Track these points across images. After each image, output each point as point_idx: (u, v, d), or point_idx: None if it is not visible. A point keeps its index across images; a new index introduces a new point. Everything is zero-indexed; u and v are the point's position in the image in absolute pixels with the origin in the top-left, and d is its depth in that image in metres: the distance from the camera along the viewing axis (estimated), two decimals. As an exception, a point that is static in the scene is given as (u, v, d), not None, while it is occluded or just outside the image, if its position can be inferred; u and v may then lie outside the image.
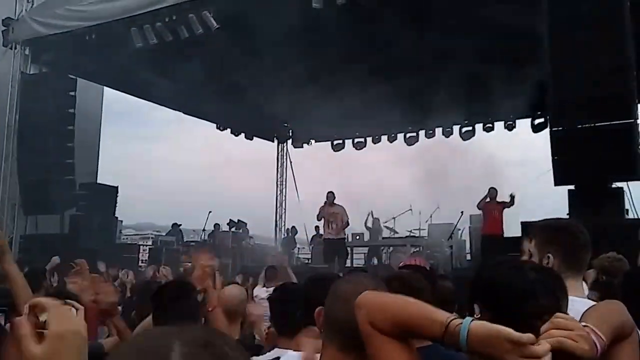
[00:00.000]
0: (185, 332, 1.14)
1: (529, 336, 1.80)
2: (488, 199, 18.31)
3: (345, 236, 19.35)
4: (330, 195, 19.02)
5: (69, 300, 2.31)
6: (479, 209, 18.47)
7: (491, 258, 3.00)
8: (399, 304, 2.17)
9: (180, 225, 24.39)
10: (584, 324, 2.13)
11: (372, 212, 21.05)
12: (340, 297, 2.44)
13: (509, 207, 18.00)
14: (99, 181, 20.96)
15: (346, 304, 2.32)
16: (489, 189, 18.26)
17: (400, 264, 5.93)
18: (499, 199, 18.34)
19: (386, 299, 2.24)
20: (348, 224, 19.05)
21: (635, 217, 12.91)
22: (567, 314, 2.16)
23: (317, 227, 22.75)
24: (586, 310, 2.44)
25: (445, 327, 1.94)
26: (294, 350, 3.51)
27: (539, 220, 3.85)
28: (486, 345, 1.84)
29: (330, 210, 18.79)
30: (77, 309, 1.97)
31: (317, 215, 19.43)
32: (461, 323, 1.92)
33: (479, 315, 2.23)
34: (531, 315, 2.04)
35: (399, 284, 3.58)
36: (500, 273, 2.31)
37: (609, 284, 5.31)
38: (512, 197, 17.90)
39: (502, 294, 2.21)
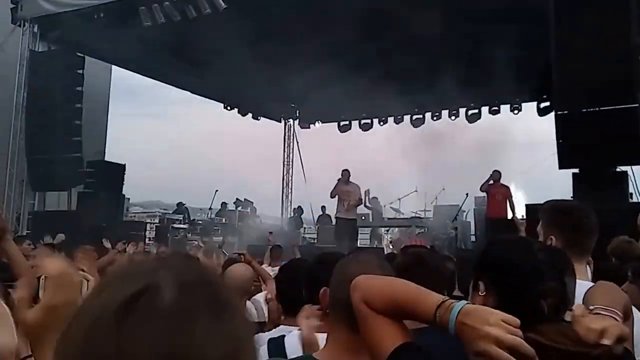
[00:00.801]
0: (177, 266, 1.11)
1: (514, 319, 1.75)
2: (491, 182, 18.22)
3: (357, 217, 19.42)
4: (346, 173, 19.03)
5: (82, 272, 2.42)
6: (482, 191, 18.47)
7: (499, 236, 2.90)
8: (394, 285, 2.15)
9: (185, 204, 24.46)
10: (595, 306, 2.17)
11: (367, 190, 20.66)
12: (346, 277, 2.39)
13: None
14: (106, 159, 21.04)
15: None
16: (493, 172, 18.23)
17: (402, 246, 5.98)
18: (502, 181, 18.30)
19: (381, 280, 2.22)
20: (361, 202, 19.11)
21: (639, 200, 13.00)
22: (574, 295, 2.22)
23: (323, 207, 22.89)
24: (587, 292, 2.46)
25: (437, 308, 1.91)
26: (300, 329, 3.46)
27: (546, 202, 3.89)
28: (470, 327, 1.80)
29: (345, 188, 18.81)
30: (87, 280, 2.06)
31: (331, 193, 19.38)
32: (454, 305, 1.89)
33: (484, 293, 2.26)
34: (536, 295, 2.07)
35: (414, 260, 3.64)
36: (509, 251, 2.31)
37: (615, 271, 5.21)
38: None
39: (510, 272, 2.22)
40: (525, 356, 1.71)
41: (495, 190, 18.12)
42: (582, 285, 2.90)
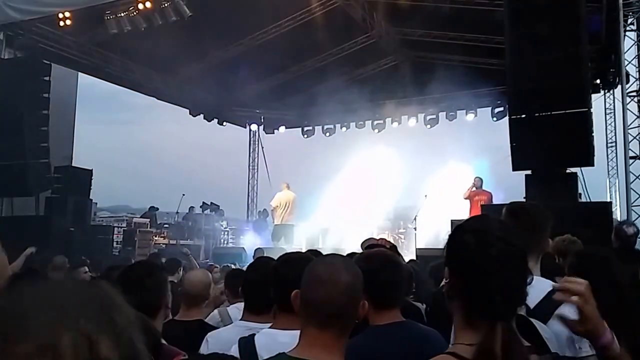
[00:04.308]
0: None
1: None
2: (474, 188, 18.54)
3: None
4: (284, 185, 20.22)
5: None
6: (465, 199, 18.67)
7: (466, 223, 2.72)
8: None
9: (158, 209, 24.58)
10: None
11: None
12: (315, 279, 2.57)
13: None
14: (73, 164, 21.11)
15: (322, 286, 2.50)
16: (474, 179, 18.66)
17: (365, 245, 6.22)
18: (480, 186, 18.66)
19: None
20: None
21: (588, 200, 13.47)
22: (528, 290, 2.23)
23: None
24: None
25: None
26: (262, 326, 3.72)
27: (496, 204, 4.11)
28: None
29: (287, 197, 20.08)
30: None
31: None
32: None
33: (447, 280, 2.29)
34: (489, 290, 2.08)
35: (381, 259, 3.76)
36: (466, 244, 2.24)
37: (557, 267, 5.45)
38: None
39: (465, 264, 2.22)
40: None
41: (478, 197, 18.28)
42: (542, 281, 3.12)
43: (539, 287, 2.57)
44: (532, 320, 2.67)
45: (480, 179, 18.68)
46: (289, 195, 20.71)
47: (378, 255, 3.87)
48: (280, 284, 3.37)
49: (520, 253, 2.24)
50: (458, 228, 2.36)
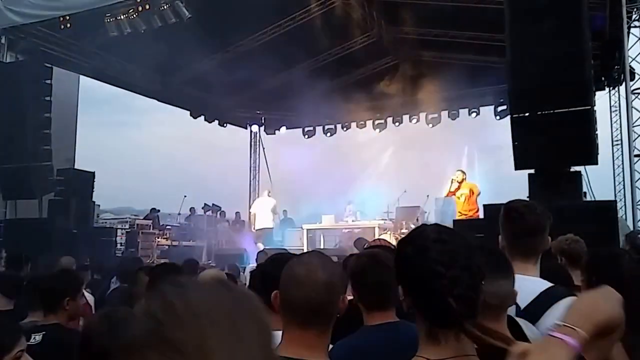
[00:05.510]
0: None
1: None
2: (456, 184, 17.66)
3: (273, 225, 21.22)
4: (266, 192, 21.24)
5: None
6: (447, 196, 18.04)
7: (408, 235, 2.57)
8: None
9: (159, 210, 24.60)
10: (562, 323, 1.75)
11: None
12: (293, 280, 2.58)
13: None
14: (76, 167, 21.13)
15: (300, 287, 2.52)
16: (456, 172, 17.92)
17: (366, 245, 6.17)
18: (469, 180, 17.94)
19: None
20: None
21: (592, 199, 13.39)
22: (514, 290, 2.27)
23: (285, 211, 23.47)
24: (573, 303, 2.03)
25: None
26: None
27: (497, 204, 4.06)
28: None
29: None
30: None
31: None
32: None
33: (402, 297, 2.21)
34: (441, 292, 2.00)
35: (369, 261, 3.67)
36: (406, 255, 2.19)
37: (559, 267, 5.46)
38: None
39: (408, 273, 2.17)
40: None
41: (461, 192, 17.57)
42: (531, 281, 3.12)
43: (531, 288, 2.60)
44: (517, 319, 2.69)
45: (462, 172, 17.94)
46: (270, 201, 20.92)
47: (368, 256, 3.84)
48: (266, 284, 3.33)
49: (463, 250, 2.14)
50: (399, 242, 2.34)
